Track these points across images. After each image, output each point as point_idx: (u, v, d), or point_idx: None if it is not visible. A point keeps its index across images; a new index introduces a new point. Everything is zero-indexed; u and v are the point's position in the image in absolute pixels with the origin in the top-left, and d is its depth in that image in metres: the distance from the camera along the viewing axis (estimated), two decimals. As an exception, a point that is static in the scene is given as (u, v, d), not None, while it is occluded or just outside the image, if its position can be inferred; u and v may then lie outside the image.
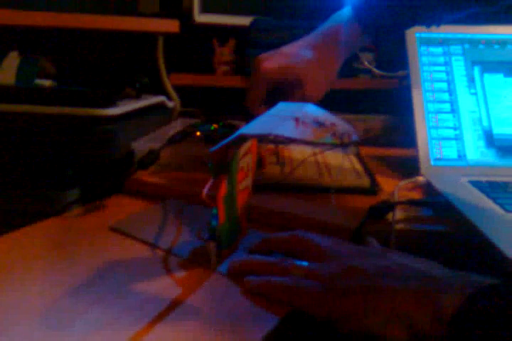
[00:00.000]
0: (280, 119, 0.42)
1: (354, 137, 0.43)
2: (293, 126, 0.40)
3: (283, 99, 0.65)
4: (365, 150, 0.80)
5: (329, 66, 0.67)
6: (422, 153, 0.67)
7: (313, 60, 0.65)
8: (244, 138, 0.41)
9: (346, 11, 0.66)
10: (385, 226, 0.49)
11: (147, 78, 0.90)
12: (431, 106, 0.71)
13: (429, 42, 0.75)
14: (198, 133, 0.69)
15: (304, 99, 0.66)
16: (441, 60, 0.74)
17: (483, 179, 0.61)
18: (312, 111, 0.46)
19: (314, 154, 0.74)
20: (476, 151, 0.68)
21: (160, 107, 0.91)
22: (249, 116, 0.51)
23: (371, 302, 0.34)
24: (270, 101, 0.63)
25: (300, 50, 0.66)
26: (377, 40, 0.68)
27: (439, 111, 0.70)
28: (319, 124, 0.42)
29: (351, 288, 0.35)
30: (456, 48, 0.75)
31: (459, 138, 0.68)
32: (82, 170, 0.62)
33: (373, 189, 0.60)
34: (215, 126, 0.72)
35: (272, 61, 0.65)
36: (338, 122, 0.43)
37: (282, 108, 0.48)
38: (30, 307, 0.35)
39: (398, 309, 0.33)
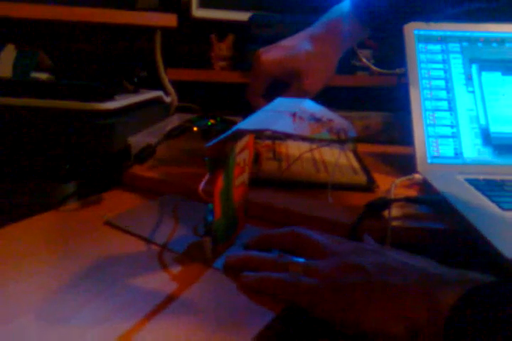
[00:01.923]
0: (277, 115, 0.42)
1: (351, 133, 0.43)
2: (290, 122, 0.40)
3: (283, 92, 0.65)
4: (363, 147, 0.81)
5: (328, 58, 0.67)
6: (418, 151, 0.67)
7: (313, 52, 0.65)
8: (241, 134, 0.41)
9: (345, 5, 0.66)
10: (381, 223, 0.49)
11: (145, 72, 0.90)
12: (428, 104, 0.71)
13: (427, 39, 0.75)
14: (195, 129, 0.69)
15: (303, 91, 0.66)
16: (439, 57, 0.74)
17: (480, 177, 0.61)
18: (309, 106, 0.46)
19: (311, 150, 0.74)
20: (472, 149, 0.68)
21: (157, 102, 0.91)
22: (247, 111, 0.51)
23: (369, 299, 0.34)
24: (270, 95, 0.63)
25: (299, 43, 0.66)
26: (375, 34, 0.68)
27: (436, 109, 0.70)
28: (316, 120, 0.42)
29: (349, 284, 0.35)
30: (454, 46, 0.74)
31: (455, 136, 0.69)
32: (79, 164, 0.62)
33: (370, 186, 0.60)
34: (212, 121, 0.72)
35: (271, 54, 0.65)
36: (335, 118, 0.43)
37: (279, 103, 0.48)
38: (25, 302, 0.35)
39: (396, 306, 0.33)
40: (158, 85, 1.02)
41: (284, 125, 0.39)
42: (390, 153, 0.82)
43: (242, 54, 1.07)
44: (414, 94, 0.71)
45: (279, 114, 0.42)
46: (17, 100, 0.64)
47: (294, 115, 0.41)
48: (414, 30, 0.75)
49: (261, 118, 0.42)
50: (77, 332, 0.32)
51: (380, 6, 0.64)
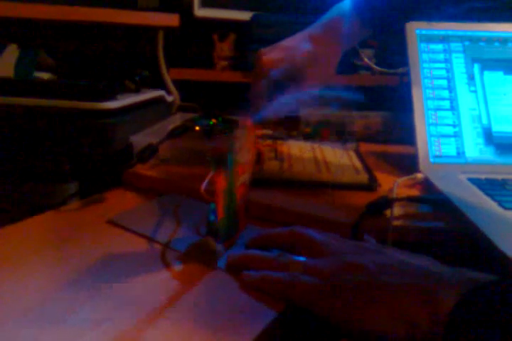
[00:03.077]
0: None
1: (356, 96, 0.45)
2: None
3: (284, 93, 0.66)
4: (365, 147, 0.80)
5: (328, 58, 0.67)
6: (421, 150, 0.67)
7: (312, 52, 0.65)
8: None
9: (346, 4, 0.66)
10: (383, 222, 0.49)
11: (147, 72, 0.90)
12: (430, 103, 0.71)
13: (429, 39, 0.75)
14: (197, 128, 0.69)
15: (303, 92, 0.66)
16: (442, 57, 0.74)
17: (482, 176, 0.61)
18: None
19: (313, 149, 0.74)
20: (475, 149, 0.67)
21: (159, 101, 0.91)
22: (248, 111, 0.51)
23: (370, 299, 0.34)
24: (272, 95, 0.63)
25: (299, 43, 0.66)
26: (376, 33, 0.68)
27: (438, 109, 0.70)
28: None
29: (350, 284, 0.35)
30: (456, 45, 0.74)
31: (458, 136, 0.68)
32: (80, 164, 0.62)
33: (372, 185, 0.60)
34: (213, 120, 0.72)
35: (272, 55, 0.65)
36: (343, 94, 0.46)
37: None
38: (25, 301, 0.35)
39: (397, 306, 0.33)
40: (160, 85, 1.02)
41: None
42: (391, 153, 0.82)
43: (243, 54, 1.07)
44: (416, 94, 0.71)
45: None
46: (19, 100, 0.64)
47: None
48: (416, 29, 0.75)
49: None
50: (75, 332, 0.32)
51: (381, 4, 0.63)
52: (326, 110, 0.49)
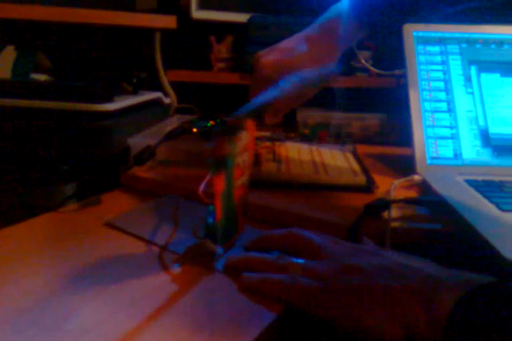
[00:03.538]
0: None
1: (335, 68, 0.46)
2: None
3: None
4: (362, 149, 0.81)
5: (325, 59, 0.67)
6: (418, 152, 0.67)
7: (308, 54, 0.65)
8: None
9: (344, 4, 0.66)
10: (380, 224, 0.49)
11: (144, 74, 0.90)
12: (427, 105, 0.71)
13: (426, 41, 0.75)
14: (195, 130, 0.69)
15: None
16: (439, 58, 0.74)
17: (479, 178, 0.61)
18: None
19: (311, 151, 0.74)
20: (472, 150, 0.68)
21: (156, 103, 0.91)
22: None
23: (368, 301, 0.34)
24: None
25: (296, 45, 0.66)
26: (373, 33, 0.68)
27: (435, 110, 0.71)
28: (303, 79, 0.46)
29: (348, 286, 0.35)
30: (453, 47, 0.75)
31: (455, 138, 0.69)
32: (78, 166, 0.62)
33: (369, 187, 0.60)
34: (211, 122, 0.72)
35: (270, 57, 0.65)
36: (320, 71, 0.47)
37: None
38: (23, 304, 0.35)
39: (395, 308, 0.33)
40: (158, 86, 1.02)
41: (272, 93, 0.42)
42: (388, 154, 0.82)
43: (241, 55, 1.07)
44: (413, 96, 0.71)
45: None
46: (16, 101, 0.64)
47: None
48: (413, 31, 0.75)
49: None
50: (73, 334, 0.32)
51: (379, 5, 0.63)
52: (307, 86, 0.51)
